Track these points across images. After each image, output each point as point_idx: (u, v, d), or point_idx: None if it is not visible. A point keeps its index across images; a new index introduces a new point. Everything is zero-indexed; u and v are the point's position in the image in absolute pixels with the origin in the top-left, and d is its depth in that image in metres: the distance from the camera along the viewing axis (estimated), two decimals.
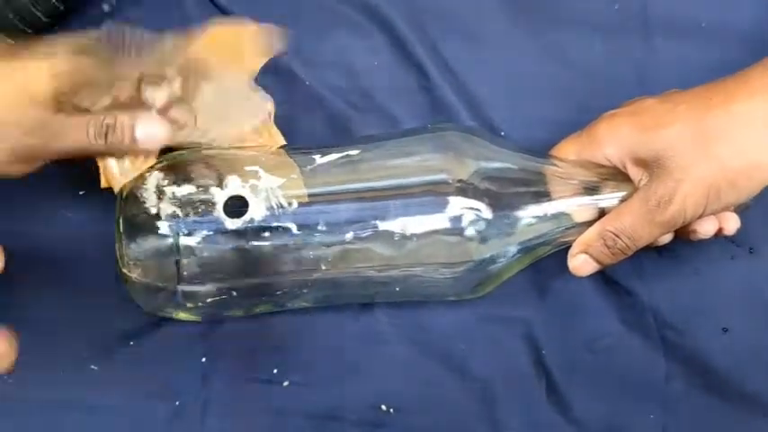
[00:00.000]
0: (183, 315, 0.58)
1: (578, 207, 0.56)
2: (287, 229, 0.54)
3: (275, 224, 0.54)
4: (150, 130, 0.54)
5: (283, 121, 0.60)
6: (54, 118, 0.52)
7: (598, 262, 0.56)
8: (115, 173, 0.55)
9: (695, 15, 0.67)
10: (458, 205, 0.54)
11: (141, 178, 0.55)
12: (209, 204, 0.54)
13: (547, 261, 0.59)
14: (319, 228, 0.55)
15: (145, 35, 0.53)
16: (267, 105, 0.58)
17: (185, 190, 0.55)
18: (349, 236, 0.55)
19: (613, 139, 0.55)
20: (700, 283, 0.63)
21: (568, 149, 0.58)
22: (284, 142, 0.59)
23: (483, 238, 0.55)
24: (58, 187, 0.62)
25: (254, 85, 0.57)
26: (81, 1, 0.64)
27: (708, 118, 0.53)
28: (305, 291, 0.57)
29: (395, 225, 0.55)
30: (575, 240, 0.57)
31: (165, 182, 0.55)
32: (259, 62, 0.57)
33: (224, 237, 0.54)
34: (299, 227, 0.54)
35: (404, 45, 0.66)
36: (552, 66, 0.66)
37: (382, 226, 0.55)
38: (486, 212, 0.55)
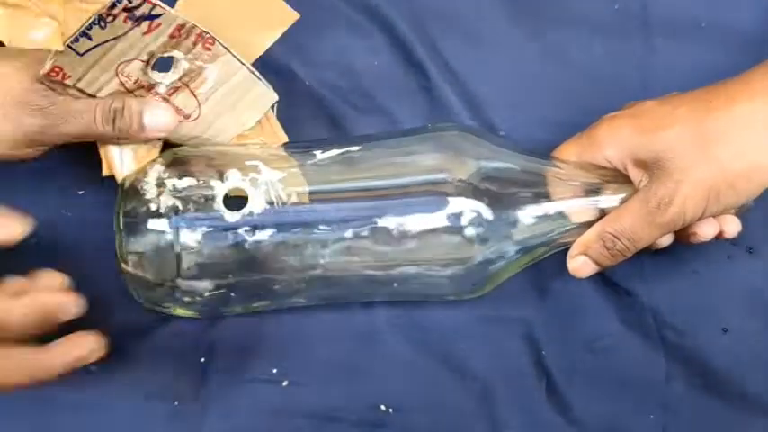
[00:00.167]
0: (181, 311, 0.58)
1: (578, 208, 0.56)
2: (286, 226, 0.54)
3: (275, 220, 0.54)
4: (158, 118, 0.54)
5: (283, 121, 0.60)
6: (61, 100, 0.52)
7: (597, 263, 0.56)
8: (117, 162, 0.55)
9: (695, 15, 0.67)
10: (457, 205, 0.54)
11: (142, 171, 0.55)
12: (210, 197, 0.54)
13: (547, 261, 0.59)
14: (319, 225, 0.55)
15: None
16: (271, 96, 0.58)
17: (186, 183, 0.55)
18: (348, 233, 0.55)
19: (614, 140, 0.56)
20: (699, 283, 0.63)
21: (569, 151, 0.58)
22: (286, 139, 0.60)
23: (482, 238, 0.55)
24: (58, 187, 0.62)
25: (258, 74, 0.57)
26: None
27: (708, 120, 0.53)
28: (303, 288, 0.57)
29: (394, 223, 0.55)
30: (574, 241, 0.57)
31: (166, 174, 0.55)
32: (274, 34, 0.57)
33: (223, 231, 0.54)
34: (299, 223, 0.55)
35: (404, 45, 0.66)
36: (552, 66, 0.67)
37: (382, 224, 0.55)
38: (486, 212, 0.55)
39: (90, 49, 0.51)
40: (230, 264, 0.55)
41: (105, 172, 0.56)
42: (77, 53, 0.51)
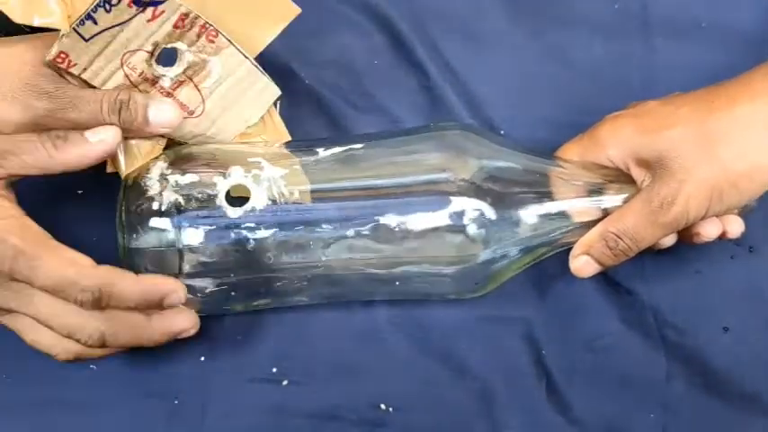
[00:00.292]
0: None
1: (581, 208, 0.56)
2: (288, 224, 0.54)
3: (276, 217, 0.54)
4: (163, 113, 0.54)
5: (284, 120, 0.60)
6: (68, 87, 0.52)
7: (599, 263, 0.57)
8: (121, 158, 0.55)
9: (695, 15, 0.67)
10: (460, 204, 0.54)
11: (145, 168, 0.55)
12: (212, 193, 0.54)
13: (547, 261, 0.59)
14: (321, 223, 0.55)
15: None
16: (273, 91, 0.58)
17: (188, 179, 0.55)
18: (350, 232, 0.55)
19: (616, 140, 0.56)
20: (700, 282, 0.63)
21: (571, 151, 0.58)
22: (289, 137, 0.60)
23: (485, 238, 0.55)
24: (58, 187, 0.61)
25: (261, 68, 0.57)
26: None
27: (710, 120, 0.53)
28: (305, 286, 0.57)
29: (396, 222, 0.55)
30: (577, 241, 0.57)
31: (169, 171, 0.55)
32: (276, 29, 0.57)
33: (225, 228, 0.54)
34: (301, 221, 0.55)
35: (404, 44, 0.66)
36: (552, 66, 0.66)
37: (384, 223, 0.55)
38: (489, 212, 0.55)
39: (95, 35, 0.51)
40: (232, 261, 0.55)
41: (109, 168, 0.56)
42: (83, 38, 0.51)
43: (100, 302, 0.50)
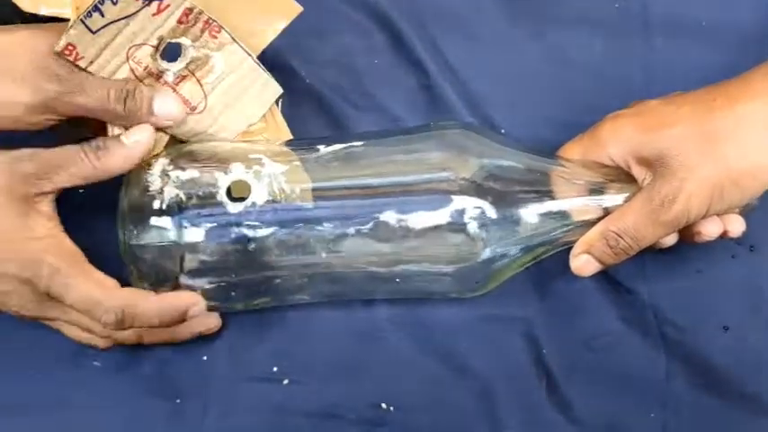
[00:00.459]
0: None
1: (581, 207, 0.56)
2: (288, 221, 0.54)
3: (277, 215, 0.54)
4: (167, 106, 0.55)
5: (284, 119, 0.60)
6: (78, 72, 0.53)
7: (600, 262, 0.56)
8: None
9: (695, 15, 0.67)
10: (461, 203, 0.54)
11: (146, 164, 0.55)
12: (213, 189, 0.54)
13: (547, 260, 0.59)
14: (321, 221, 0.55)
15: None
16: (275, 89, 0.58)
17: (189, 175, 0.55)
18: (351, 230, 0.55)
19: (617, 139, 0.56)
20: (700, 281, 0.63)
21: (572, 150, 0.58)
22: (291, 136, 0.60)
23: (486, 237, 0.55)
24: None
25: (263, 66, 0.57)
26: None
27: (711, 119, 0.53)
28: (306, 284, 0.57)
29: (397, 221, 0.55)
30: (577, 240, 0.57)
31: (171, 167, 0.55)
32: (277, 27, 0.57)
33: (226, 225, 0.54)
34: (301, 219, 0.55)
35: (404, 44, 0.66)
36: (552, 65, 0.67)
37: (384, 221, 0.55)
38: (490, 211, 0.55)
39: (102, 27, 0.52)
40: (232, 258, 0.55)
41: None
42: (90, 30, 0.52)
43: (123, 323, 0.54)
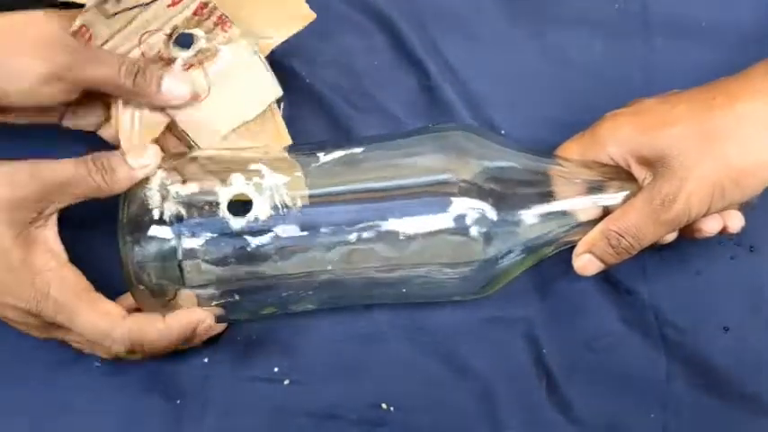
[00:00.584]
0: None
1: (582, 206, 0.56)
2: (291, 230, 0.54)
3: (279, 225, 0.54)
4: (175, 86, 0.56)
5: (284, 120, 0.60)
6: (90, 45, 0.54)
7: (602, 261, 0.56)
8: (126, 128, 0.57)
9: (695, 15, 0.67)
10: (462, 205, 0.54)
11: (145, 180, 0.55)
12: (214, 204, 0.54)
13: (548, 260, 0.59)
14: (323, 228, 0.54)
15: None
16: (275, 90, 0.59)
17: (189, 189, 0.54)
18: (353, 237, 0.55)
19: (616, 138, 0.56)
20: (701, 281, 0.63)
21: (572, 150, 0.58)
22: (290, 141, 0.59)
23: (487, 239, 0.55)
24: None
25: (267, 65, 0.58)
26: None
27: (711, 117, 0.53)
28: (310, 293, 0.57)
29: (399, 225, 0.54)
30: (579, 240, 0.57)
31: (169, 181, 0.55)
32: (289, 31, 0.58)
33: (228, 237, 0.54)
34: (304, 228, 0.54)
35: (404, 44, 0.66)
36: (552, 65, 0.67)
37: (386, 226, 0.54)
38: (491, 212, 0.54)
39: (117, 13, 0.54)
40: (235, 272, 0.54)
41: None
42: (105, 15, 0.54)
43: (133, 352, 0.55)
